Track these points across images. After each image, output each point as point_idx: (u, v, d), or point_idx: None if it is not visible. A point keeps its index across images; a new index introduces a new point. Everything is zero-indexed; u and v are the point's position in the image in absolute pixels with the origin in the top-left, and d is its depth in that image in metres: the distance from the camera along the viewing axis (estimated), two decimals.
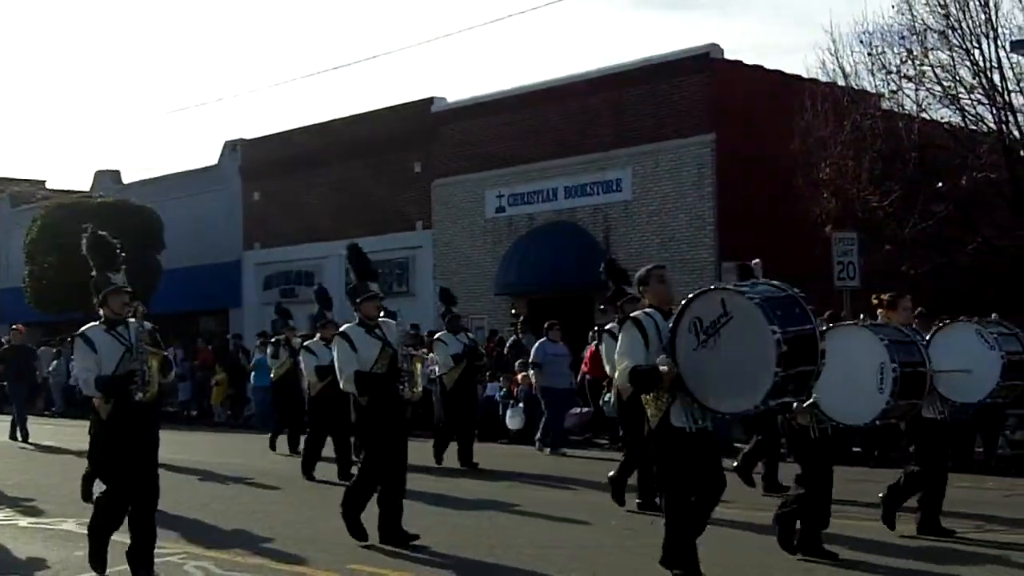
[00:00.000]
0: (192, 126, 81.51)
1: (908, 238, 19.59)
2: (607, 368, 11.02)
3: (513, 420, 19.61)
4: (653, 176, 23.00)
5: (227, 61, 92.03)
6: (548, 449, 17.79)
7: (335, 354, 9.61)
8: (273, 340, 18.68)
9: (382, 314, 9.75)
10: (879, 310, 9.66)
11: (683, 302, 7.19)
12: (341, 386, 9.54)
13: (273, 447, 18.09)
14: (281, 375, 18.05)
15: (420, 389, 10.33)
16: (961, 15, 19.33)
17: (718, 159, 22.07)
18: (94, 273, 8.30)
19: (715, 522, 7.80)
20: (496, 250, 25.42)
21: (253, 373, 24.70)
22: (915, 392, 8.70)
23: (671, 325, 7.20)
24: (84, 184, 39.82)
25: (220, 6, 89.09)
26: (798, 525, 8.49)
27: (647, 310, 7.50)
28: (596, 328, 14.62)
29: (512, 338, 22.31)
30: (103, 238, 8.46)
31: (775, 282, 7.31)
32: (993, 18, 19.15)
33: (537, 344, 18.51)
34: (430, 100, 27.62)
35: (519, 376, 20.02)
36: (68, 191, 40.82)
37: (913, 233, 19.47)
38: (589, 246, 23.54)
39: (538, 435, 18.22)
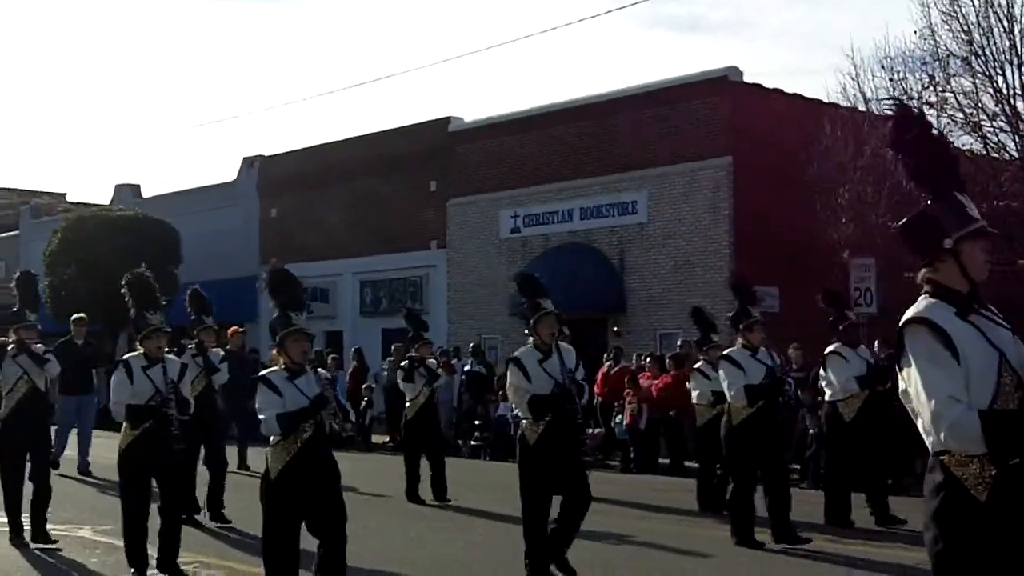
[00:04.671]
0: (211, 142, 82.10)
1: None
2: None
3: None
4: (669, 198, 22.80)
5: (247, 78, 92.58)
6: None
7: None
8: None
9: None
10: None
11: None
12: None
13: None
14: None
15: None
16: (985, 41, 19.07)
17: (735, 182, 21.83)
18: None
19: None
20: (510, 270, 25.10)
21: None
22: None
23: None
24: (104, 197, 40.14)
25: (241, 24, 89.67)
26: None
27: None
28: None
29: None
30: None
31: None
32: (1017, 44, 18.88)
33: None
34: (447, 119, 27.60)
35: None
36: (88, 204, 41.04)
37: None
38: (604, 267, 23.40)
39: None
